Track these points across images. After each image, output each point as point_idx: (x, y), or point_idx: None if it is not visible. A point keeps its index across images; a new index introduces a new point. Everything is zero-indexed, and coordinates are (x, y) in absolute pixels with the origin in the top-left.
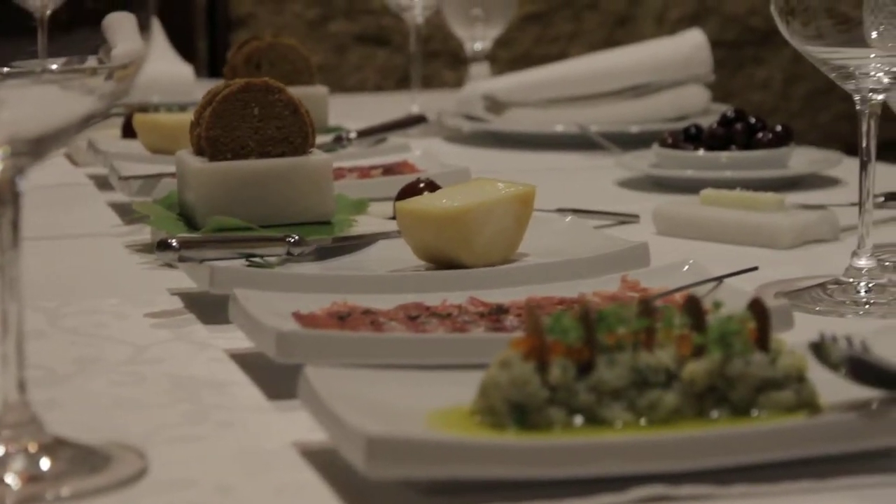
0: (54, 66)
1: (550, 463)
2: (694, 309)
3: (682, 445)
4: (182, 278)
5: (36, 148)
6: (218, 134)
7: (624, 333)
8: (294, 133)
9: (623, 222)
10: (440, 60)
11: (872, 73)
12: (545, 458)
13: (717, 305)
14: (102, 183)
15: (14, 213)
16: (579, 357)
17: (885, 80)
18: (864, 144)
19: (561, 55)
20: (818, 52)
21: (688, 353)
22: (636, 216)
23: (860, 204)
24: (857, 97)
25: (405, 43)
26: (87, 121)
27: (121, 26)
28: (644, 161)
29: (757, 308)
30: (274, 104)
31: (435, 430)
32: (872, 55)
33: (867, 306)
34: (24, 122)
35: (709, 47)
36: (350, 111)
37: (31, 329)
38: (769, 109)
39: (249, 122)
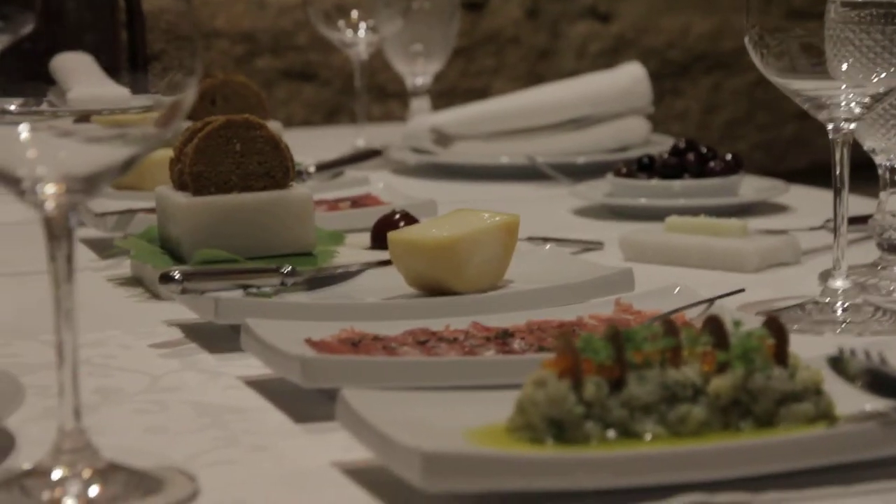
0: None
1: (596, 474)
2: (716, 327)
3: (714, 456)
4: (174, 310)
5: (88, 185)
6: (202, 169)
7: (651, 352)
8: (275, 167)
9: (588, 249)
10: (371, 94)
11: (844, 104)
12: (590, 470)
13: (738, 324)
14: None
15: (69, 248)
16: (611, 375)
17: (857, 109)
18: (837, 172)
19: (485, 88)
20: (791, 84)
21: (712, 370)
22: (601, 243)
23: (835, 228)
24: (829, 126)
25: (332, 78)
26: (134, 160)
27: (75, 69)
28: (598, 191)
29: (774, 326)
30: (255, 140)
31: (481, 446)
32: (843, 86)
33: (844, 325)
34: (77, 162)
35: (648, 80)
36: (297, 145)
37: (45, 362)
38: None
39: (232, 158)
